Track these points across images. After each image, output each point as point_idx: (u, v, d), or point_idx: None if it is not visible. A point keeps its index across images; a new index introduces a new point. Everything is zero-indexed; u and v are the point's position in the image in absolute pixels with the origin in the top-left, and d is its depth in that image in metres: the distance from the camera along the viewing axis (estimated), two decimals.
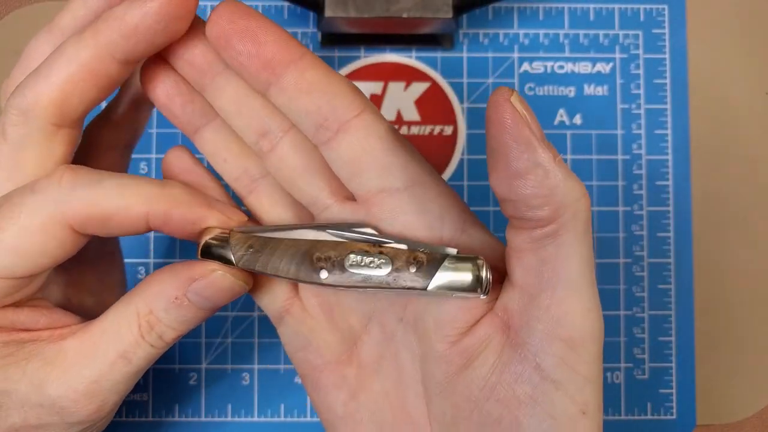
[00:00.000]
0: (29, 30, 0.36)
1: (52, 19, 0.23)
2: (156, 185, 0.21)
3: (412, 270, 0.20)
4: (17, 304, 0.22)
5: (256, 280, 0.23)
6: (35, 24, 0.36)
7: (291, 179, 0.23)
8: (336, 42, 0.35)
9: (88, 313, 0.24)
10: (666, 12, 0.36)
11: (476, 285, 0.19)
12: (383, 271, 0.20)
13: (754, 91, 0.36)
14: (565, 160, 0.35)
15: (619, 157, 0.35)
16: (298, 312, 0.24)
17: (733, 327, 0.35)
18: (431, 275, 0.20)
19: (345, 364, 0.23)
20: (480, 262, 0.19)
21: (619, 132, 0.35)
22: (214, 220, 0.22)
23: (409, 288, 0.20)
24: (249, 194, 0.24)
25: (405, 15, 0.32)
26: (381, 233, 0.21)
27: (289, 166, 0.22)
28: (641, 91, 0.36)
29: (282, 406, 0.34)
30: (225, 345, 0.34)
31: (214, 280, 0.21)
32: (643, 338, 0.35)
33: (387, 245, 0.20)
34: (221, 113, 0.23)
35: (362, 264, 0.20)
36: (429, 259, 0.20)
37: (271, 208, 0.24)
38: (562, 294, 0.19)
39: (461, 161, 0.35)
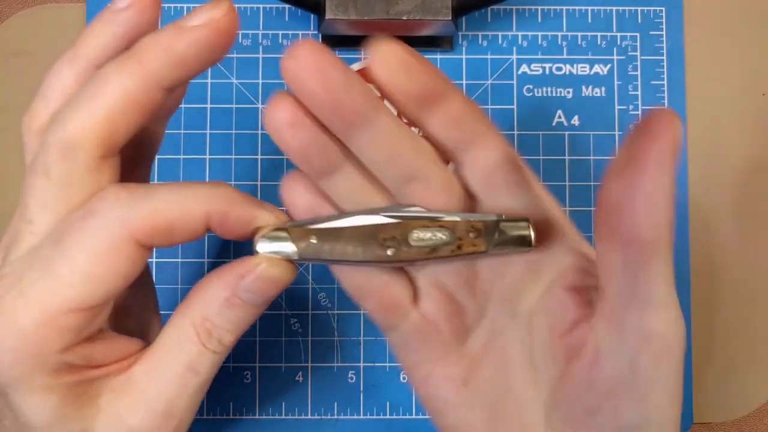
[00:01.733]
0: (33, 31, 0.36)
1: (74, 45, 0.22)
2: (209, 187, 0.21)
3: (472, 236, 0.22)
4: (91, 339, 0.21)
5: (382, 305, 0.24)
6: (39, 25, 0.36)
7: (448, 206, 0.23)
8: (336, 44, 0.36)
9: (132, 336, 0.23)
10: (663, 14, 0.36)
11: (528, 236, 0.22)
12: (447, 241, 0.22)
13: (750, 92, 0.36)
14: (563, 161, 0.36)
15: None
16: (415, 321, 0.24)
17: (730, 325, 0.35)
18: (490, 239, 0.22)
19: (456, 357, 0.24)
20: (526, 218, 0.22)
21: (617, 133, 0.36)
22: (266, 218, 0.22)
23: (472, 253, 0.22)
24: None
25: (405, 17, 0.32)
26: (430, 211, 0.23)
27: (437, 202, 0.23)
28: (639, 93, 0.36)
29: (283, 404, 0.34)
30: None
31: (262, 273, 0.22)
32: None
33: (445, 220, 0.22)
34: (366, 161, 0.22)
35: (426, 238, 0.22)
36: (485, 225, 0.22)
37: None
38: (652, 309, 0.20)
39: None
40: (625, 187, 0.18)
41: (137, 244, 0.20)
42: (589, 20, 0.36)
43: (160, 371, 0.22)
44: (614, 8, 0.36)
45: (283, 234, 0.22)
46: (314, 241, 0.22)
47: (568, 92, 0.36)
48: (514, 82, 0.36)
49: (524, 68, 0.36)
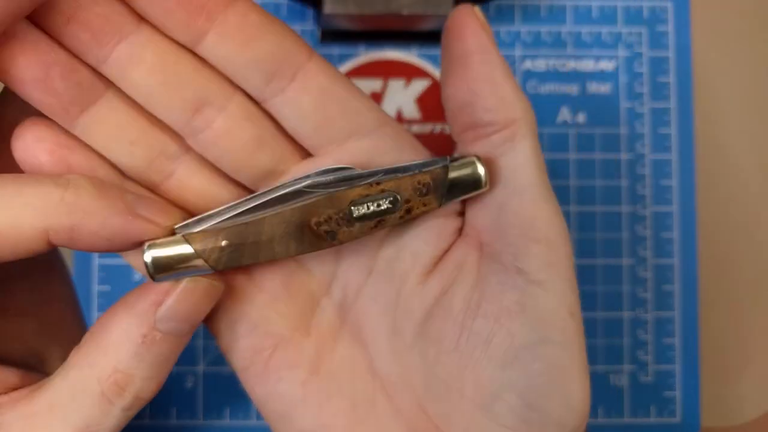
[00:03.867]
0: None
1: None
2: (53, 189, 0.16)
3: (424, 192, 0.19)
4: None
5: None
6: None
7: (239, 161, 0.19)
8: (335, 39, 0.35)
9: (15, 366, 0.19)
10: (670, 9, 0.36)
11: (480, 176, 0.19)
12: (394, 207, 0.19)
13: (759, 88, 0.36)
14: (568, 159, 0.35)
15: (623, 156, 0.35)
16: (245, 291, 0.20)
17: (738, 329, 0.35)
18: (442, 191, 0.19)
19: (302, 337, 0.20)
20: (473, 157, 0.20)
21: (623, 131, 0.35)
22: (138, 233, 0.17)
23: (424, 212, 0.19)
24: (169, 177, 0.19)
25: (405, 11, 0.32)
26: (365, 171, 0.19)
27: (236, 142, 0.19)
28: (645, 89, 0.35)
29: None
30: None
31: (184, 294, 0.18)
32: (647, 340, 0.34)
33: (384, 180, 0.19)
34: (135, 89, 0.18)
35: (368, 209, 0.19)
36: (434, 177, 0.19)
37: (203, 187, 0.19)
38: (530, 198, 0.19)
39: None
40: (464, 85, 0.19)
41: None
42: (594, 15, 0.36)
43: (42, 429, 0.18)
44: (619, 3, 0.36)
45: (181, 246, 0.17)
46: (225, 244, 0.18)
47: (573, 89, 0.35)
48: (518, 78, 0.35)
49: (528, 64, 0.35)
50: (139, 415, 0.33)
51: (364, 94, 0.20)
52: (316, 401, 0.20)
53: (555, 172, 0.35)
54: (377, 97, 0.35)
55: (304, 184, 0.19)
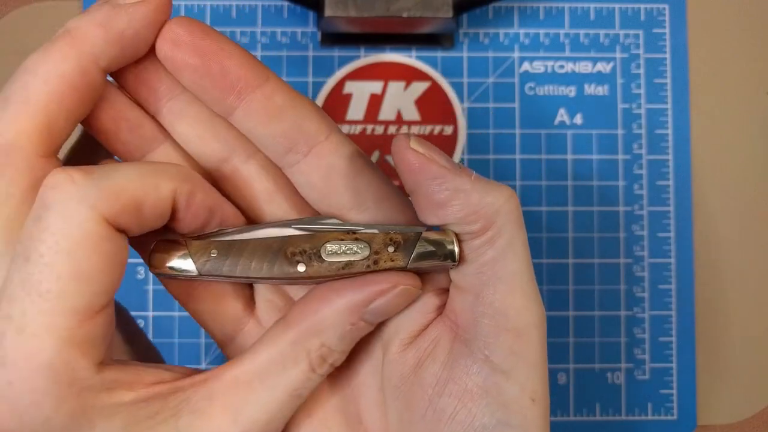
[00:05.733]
0: (29, 29, 0.36)
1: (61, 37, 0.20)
2: (173, 165, 0.20)
3: (391, 250, 0.20)
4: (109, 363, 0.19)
5: (209, 304, 0.22)
6: (35, 23, 0.36)
7: (255, 205, 0.22)
8: (336, 41, 0.35)
9: None
10: (666, 11, 0.36)
11: (452, 251, 0.20)
12: (362, 255, 0.20)
13: (754, 90, 0.36)
14: (566, 160, 0.35)
15: (620, 157, 0.35)
16: (251, 330, 0.22)
17: (734, 327, 0.35)
18: (410, 253, 0.20)
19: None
20: (450, 233, 0.20)
21: (620, 132, 0.35)
22: (228, 212, 0.21)
23: (389, 269, 0.20)
24: None
25: (405, 14, 0.32)
26: (347, 223, 0.21)
27: (252, 191, 0.22)
28: (642, 91, 0.36)
29: None
30: None
31: (395, 299, 0.20)
32: (644, 338, 0.34)
33: (359, 231, 0.21)
34: (179, 138, 0.21)
35: (340, 252, 0.20)
36: (405, 239, 0.20)
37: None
38: (504, 288, 0.20)
39: (461, 161, 0.35)
40: (431, 213, 0.20)
41: (108, 225, 0.18)
42: (592, 18, 0.36)
43: (257, 396, 0.20)
44: (617, 6, 0.36)
45: (181, 248, 0.20)
46: (214, 254, 0.20)
47: (571, 90, 0.36)
48: (516, 80, 0.36)
49: (526, 66, 0.36)
50: None
51: (375, 170, 0.21)
52: None
53: (553, 173, 0.35)
54: (377, 100, 0.35)
55: (294, 224, 0.21)
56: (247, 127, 0.20)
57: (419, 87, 0.35)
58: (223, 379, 0.20)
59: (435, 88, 0.35)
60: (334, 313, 0.20)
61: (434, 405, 0.20)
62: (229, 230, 0.21)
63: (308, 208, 0.22)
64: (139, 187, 0.18)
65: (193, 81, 0.19)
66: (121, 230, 0.18)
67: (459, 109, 0.35)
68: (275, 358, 0.20)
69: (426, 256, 0.20)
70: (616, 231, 0.35)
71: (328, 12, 0.32)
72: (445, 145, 0.35)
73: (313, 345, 0.20)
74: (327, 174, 0.21)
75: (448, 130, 0.35)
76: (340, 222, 0.21)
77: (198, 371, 0.20)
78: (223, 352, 0.23)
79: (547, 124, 0.35)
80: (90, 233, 0.17)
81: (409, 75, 0.35)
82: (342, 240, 0.20)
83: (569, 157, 0.35)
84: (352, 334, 0.20)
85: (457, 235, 0.20)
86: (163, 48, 0.19)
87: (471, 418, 0.20)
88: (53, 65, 0.18)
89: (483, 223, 0.19)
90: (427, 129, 0.35)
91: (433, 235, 0.20)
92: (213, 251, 0.20)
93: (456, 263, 0.20)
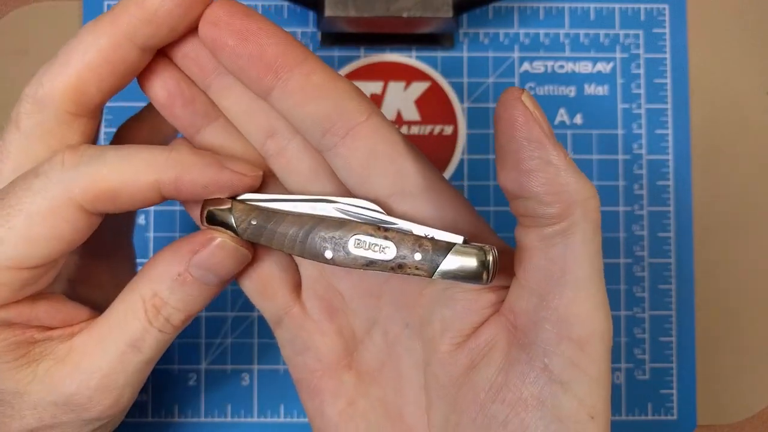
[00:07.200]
0: (29, 29, 0.36)
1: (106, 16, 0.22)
2: (161, 151, 0.20)
3: (417, 257, 0.19)
4: (33, 298, 0.22)
5: (257, 283, 0.23)
6: (35, 23, 0.36)
7: (299, 184, 0.22)
8: (336, 41, 0.35)
9: (96, 309, 0.23)
10: (666, 11, 0.36)
11: (481, 272, 0.19)
12: (387, 256, 0.19)
13: (755, 90, 0.36)
14: None
15: (620, 157, 0.35)
16: (298, 315, 0.23)
17: (734, 327, 0.35)
18: (437, 263, 0.19)
19: (344, 370, 0.23)
20: (487, 248, 0.19)
21: (620, 132, 0.35)
22: (227, 180, 0.21)
23: (412, 275, 0.19)
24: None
25: (405, 14, 0.32)
26: (384, 214, 0.20)
27: (297, 169, 0.22)
28: (642, 91, 0.36)
29: (282, 406, 0.34)
30: (224, 345, 0.34)
31: (215, 250, 0.21)
32: (644, 338, 0.34)
33: (393, 230, 0.20)
34: (227, 113, 0.22)
35: (367, 247, 0.20)
36: (435, 247, 0.19)
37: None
38: (571, 294, 0.19)
39: (461, 161, 0.35)
40: (514, 177, 0.18)
41: (80, 209, 0.20)
42: (592, 18, 0.36)
43: (102, 345, 0.21)
44: (617, 5, 0.36)
45: (226, 210, 0.21)
46: (254, 223, 0.21)
47: (571, 90, 0.36)
48: (516, 80, 0.36)
49: (526, 66, 0.36)
50: (143, 413, 0.33)
51: (420, 155, 0.21)
52: (346, 430, 0.22)
53: None
54: (377, 100, 0.35)
55: (333, 205, 0.21)
56: (285, 107, 0.20)
57: (419, 87, 0.35)
58: (86, 330, 0.21)
59: (435, 88, 0.35)
60: (161, 262, 0.21)
61: (485, 410, 0.20)
62: (276, 197, 0.21)
63: (348, 194, 0.22)
64: (117, 177, 0.20)
65: (231, 61, 0.20)
66: (93, 212, 0.20)
67: (459, 109, 0.35)
68: (121, 309, 0.21)
69: (452, 275, 0.19)
70: (616, 231, 0.35)
71: (328, 12, 0.32)
72: (445, 145, 0.35)
73: (146, 294, 0.21)
74: (366, 157, 0.20)
75: (448, 130, 0.35)
76: (379, 209, 0.20)
77: (82, 323, 0.22)
78: (274, 333, 0.24)
79: None
80: (53, 210, 0.20)
81: (409, 75, 0.35)
82: (372, 235, 0.20)
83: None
84: (183, 288, 0.21)
85: (495, 251, 0.19)
86: (203, 29, 0.20)
87: (523, 429, 0.19)
88: (93, 38, 0.20)
89: (560, 209, 0.18)
90: (427, 129, 0.35)
91: (470, 248, 0.19)
92: (253, 219, 0.21)
93: (486, 284, 0.19)
